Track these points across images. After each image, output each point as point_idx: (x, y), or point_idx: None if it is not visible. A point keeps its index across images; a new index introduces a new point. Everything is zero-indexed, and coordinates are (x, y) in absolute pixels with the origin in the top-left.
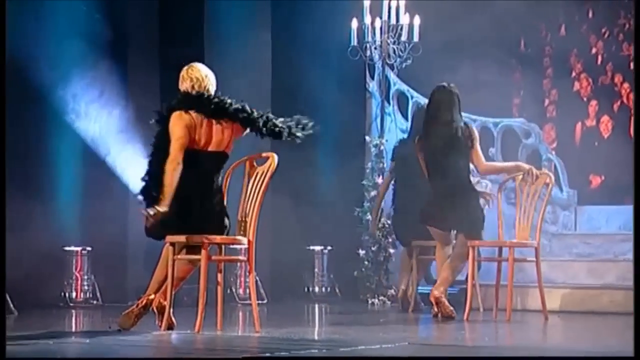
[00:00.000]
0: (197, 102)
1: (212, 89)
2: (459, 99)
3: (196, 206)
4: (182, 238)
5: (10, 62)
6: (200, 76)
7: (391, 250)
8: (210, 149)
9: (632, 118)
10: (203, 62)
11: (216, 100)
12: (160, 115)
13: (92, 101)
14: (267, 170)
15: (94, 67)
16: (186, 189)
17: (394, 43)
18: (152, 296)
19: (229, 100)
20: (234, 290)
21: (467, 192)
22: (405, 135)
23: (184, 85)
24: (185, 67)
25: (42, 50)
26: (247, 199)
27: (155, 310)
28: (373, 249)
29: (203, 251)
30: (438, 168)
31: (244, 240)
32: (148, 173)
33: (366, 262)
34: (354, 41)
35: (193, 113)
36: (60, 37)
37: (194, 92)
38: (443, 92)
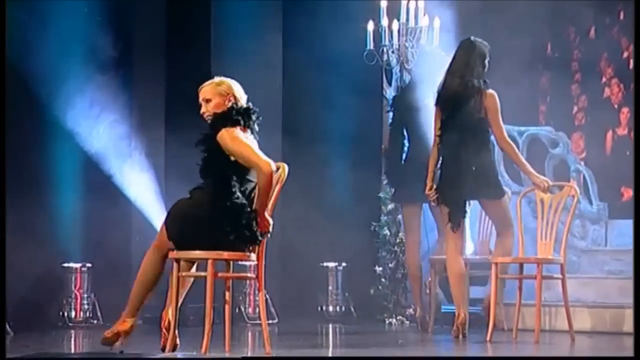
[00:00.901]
0: (242, 116)
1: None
2: (482, 55)
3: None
4: (187, 253)
5: (8, 70)
6: (233, 90)
7: None
8: None
9: (633, 118)
10: (209, 67)
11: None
12: (207, 138)
13: (93, 112)
14: (277, 182)
15: (95, 74)
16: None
17: (412, 47)
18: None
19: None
20: (242, 309)
21: (481, 149)
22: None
23: (217, 102)
24: (209, 85)
25: (39, 54)
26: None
27: (164, 329)
28: (390, 265)
29: (209, 268)
30: (449, 121)
31: (253, 256)
32: (241, 209)
33: (383, 280)
34: (370, 45)
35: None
36: (60, 42)
37: (229, 107)
38: (463, 45)
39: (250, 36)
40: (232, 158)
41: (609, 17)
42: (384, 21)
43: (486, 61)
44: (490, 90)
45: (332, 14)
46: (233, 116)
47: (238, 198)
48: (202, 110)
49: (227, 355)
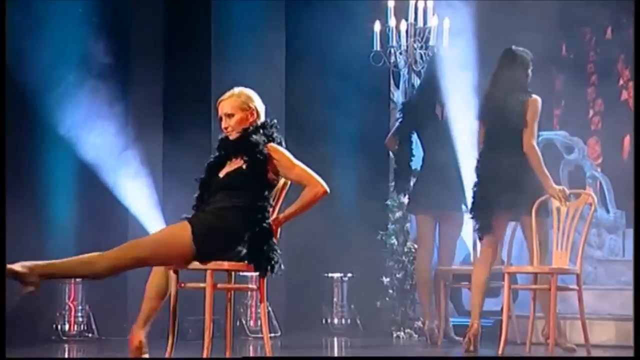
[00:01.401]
0: (274, 131)
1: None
2: (525, 64)
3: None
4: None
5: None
6: (255, 103)
7: None
8: None
9: (633, 118)
10: (209, 69)
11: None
12: (252, 148)
13: (88, 117)
14: (280, 189)
15: (90, 78)
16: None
17: (421, 48)
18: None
19: None
20: (244, 322)
21: (526, 165)
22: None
23: (241, 117)
24: (229, 98)
25: (32, 57)
26: None
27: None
28: (398, 276)
29: (208, 279)
30: (492, 135)
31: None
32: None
33: (390, 291)
34: (377, 46)
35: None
36: (54, 44)
37: (260, 122)
38: (505, 55)
39: (252, 37)
40: (270, 175)
41: (625, 16)
42: (392, 21)
43: (529, 70)
44: (534, 96)
45: (337, 14)
46: (267, 132)
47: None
48: (224, 125)
49: (227, 355)
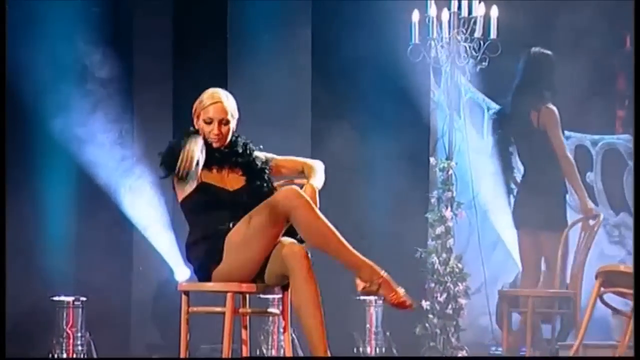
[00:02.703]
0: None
1: None
2: (541, 66)
3: None
4: (199, 285)
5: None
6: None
7: (463, 301)
8: None
9: (633, 118)
10: (226, 72)
11: None
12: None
13: (91, 127)
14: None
15: (92, 84)
16: None
17: (465, 40)
18: None
19: None
20: (264, 350)
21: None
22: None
23: (233, 126)
24: (225, 101)
25: (30, 61)
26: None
27: None
28: (440, 299)
29: (229, 302)
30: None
31: (277, 288)
32: None
33: (431, 316)
34: (415, 38)
35: None
36: (55, 38)
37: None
38: (528, 59)
39: (273, 33)
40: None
41: None
42: (432, 11)
43: (552, 72)
44: (549, 106)
45: (369, 4)
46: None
47: None
48: (216, 131)
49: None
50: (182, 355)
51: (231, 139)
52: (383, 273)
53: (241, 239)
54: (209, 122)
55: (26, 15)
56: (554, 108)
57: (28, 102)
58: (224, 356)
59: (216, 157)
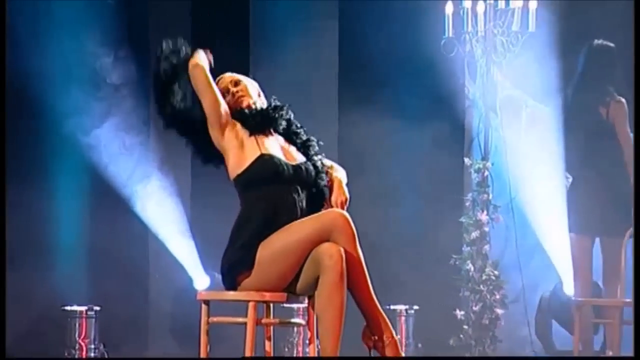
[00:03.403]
0: None
1: None
2: (602, 59)
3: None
4: (220, 294)
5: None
6: None
7: (499, 311)
8: None
9: (633, 117)
10: (249, 64)
11: None
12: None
13: (105, 128)
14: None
15: (108, 83)
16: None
17: (502, 34)
18: None
19: None
20: None
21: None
22: None
23: None
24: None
25: (43, 60)
26: None
27: None
28: (475, 308)
29: (251, 312)
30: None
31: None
32: None
33: (465, 327)
34: (449, 32)
35: None
36: (67, 37)
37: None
38: (589, 51)
39: (298, 28)
40: None
41: None
42: (467, 2)
43: (614, 65)
44: (619, 99)
45: None
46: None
47: None
48: (234, 90)
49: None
50: None
51: (269, 103)
52: (395, 335)
53: (278, 249)
54: (225, 91)
55: (39, 14)
56: (624, 101)
57: (42, 104)
58: None
59: (257, 121)
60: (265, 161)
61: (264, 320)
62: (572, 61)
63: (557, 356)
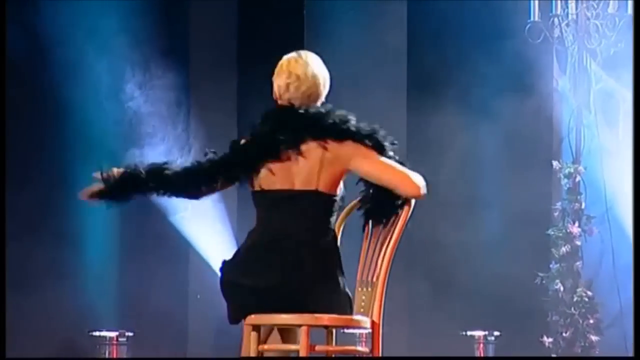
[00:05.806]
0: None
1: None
2: None
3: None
4: (270, 318)
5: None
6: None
7: (594, 338)
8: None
9: (633, 117)
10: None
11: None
12: None
13: (138, 136)
14: (398, 220)
15: (146, 95)
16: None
17: (596, 17)
18: None
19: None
20: None
21: None
22: None
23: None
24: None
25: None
26: (368, 262)
27: None
28: (565, 334)
29: (303, 338)
30: None
31: (365, 320)
32: None
33: (554, 355)
34: (535, 15)
35: None
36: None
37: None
38: None
39: (360, 11)
40: None
41: None
42: None
43: None
44: None
45: None
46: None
47: None
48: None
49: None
50: None
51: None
52: None
53: None
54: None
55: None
56: None
57: (72, 109)
58: None
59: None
60: None
61: (318, 348)
62: None
63: (558, 356)
